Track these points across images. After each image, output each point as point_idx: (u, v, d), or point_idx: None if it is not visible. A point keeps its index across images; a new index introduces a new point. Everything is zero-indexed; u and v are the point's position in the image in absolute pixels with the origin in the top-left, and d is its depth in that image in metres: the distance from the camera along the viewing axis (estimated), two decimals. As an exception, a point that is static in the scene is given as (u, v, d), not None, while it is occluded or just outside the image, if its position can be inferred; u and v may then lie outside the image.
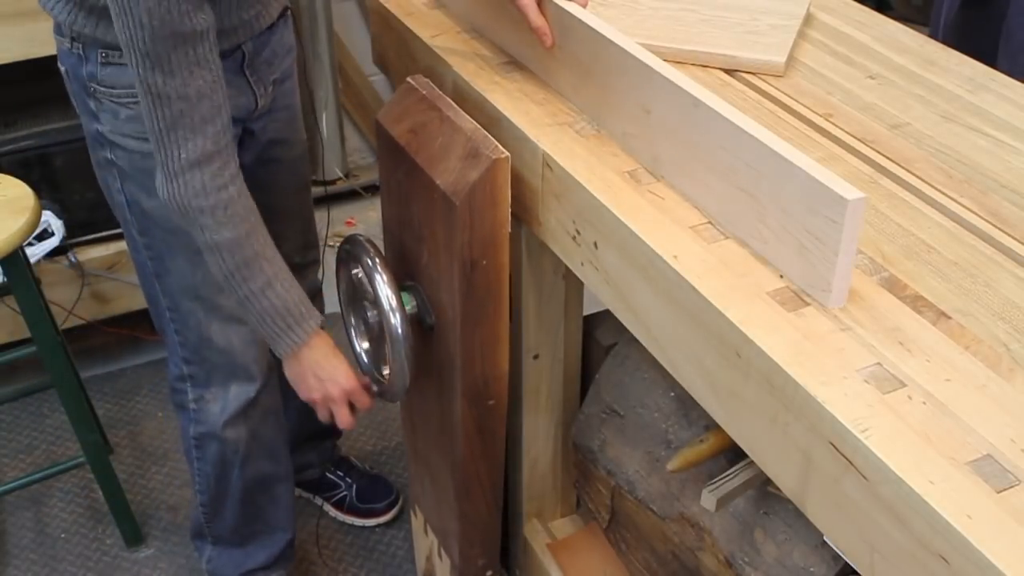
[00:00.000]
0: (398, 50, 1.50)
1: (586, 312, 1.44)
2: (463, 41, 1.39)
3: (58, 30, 1.39)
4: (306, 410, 1.98)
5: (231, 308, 1.54)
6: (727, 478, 1.09)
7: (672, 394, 1.28)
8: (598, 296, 1.12)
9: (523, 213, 1.23)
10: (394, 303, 1.29)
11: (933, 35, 2.00)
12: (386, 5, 1.50)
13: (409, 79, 1.33)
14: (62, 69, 1.42)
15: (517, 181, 1.22)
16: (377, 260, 1.32)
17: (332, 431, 2.05)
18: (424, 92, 1.30)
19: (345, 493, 2.11)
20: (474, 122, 1.22)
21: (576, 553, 1.53)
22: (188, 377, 1.62)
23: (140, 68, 1.18)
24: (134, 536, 2.04)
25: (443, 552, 1.63)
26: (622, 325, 1.08)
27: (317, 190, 2.99)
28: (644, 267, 1.00)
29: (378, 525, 2.10)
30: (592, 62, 1.16)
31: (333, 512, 2.11)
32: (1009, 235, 1.02)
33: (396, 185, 1.36)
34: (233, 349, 1.58)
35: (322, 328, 1.39)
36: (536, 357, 1.42)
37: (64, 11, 1.34)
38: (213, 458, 1.68)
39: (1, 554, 2.03)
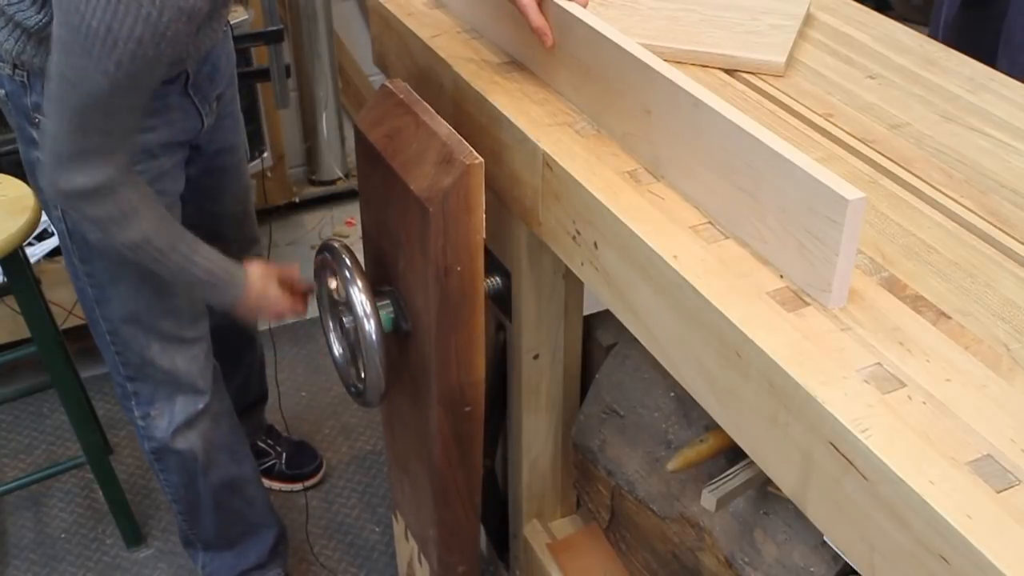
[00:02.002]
0: (398, 50, 1.50)
1: (586, 312, 1.44)
2: (463, 41, 1.39)
3: None
4: (240, 387, 2.00)
5: (173, 331, 1.55)
6: (727, 478, 1.09)
7: (672, 394, 1.28)
8: (598, 296, 1.12)
9: (523, 213, 1.23)
10: (368, 310, 1.28)
11: (933, 35, 2.00)
12: (386, 5, 1.50)
13: (386, 83, 1.33)
14: None
15: (517, 181, 1.22)
16: (353, 267, 1.31)
17: (263, 399, 2.10)
18: (401, 96, 1.29)
19: (275, 461, 2.14)
20: (449, 127, 1.20)
21: (576, 553, 1.53)
22: (132, 395, 1.61)
23: (73, 99, 1.13)
24: (134, 536, 2.04)
25: (423, 557, 1.62)
26: (622, 325, 1.08)
27: (317, 190, 3.03)
28: (644, 267, 1.00)
29: (305, 488, 2.14)
30: (592, 62, 1.16)
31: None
32: (1009, 235, 1.02)
33: (373, 190, 1.35)
34: (177, 369, 1.58)
35: (244, 269, 1.44)
36: (536, 357, 1.42)
37: (10, 38, 1.29)
38: (175, 468, 1.67)
39: (1, 554, 2.03)
